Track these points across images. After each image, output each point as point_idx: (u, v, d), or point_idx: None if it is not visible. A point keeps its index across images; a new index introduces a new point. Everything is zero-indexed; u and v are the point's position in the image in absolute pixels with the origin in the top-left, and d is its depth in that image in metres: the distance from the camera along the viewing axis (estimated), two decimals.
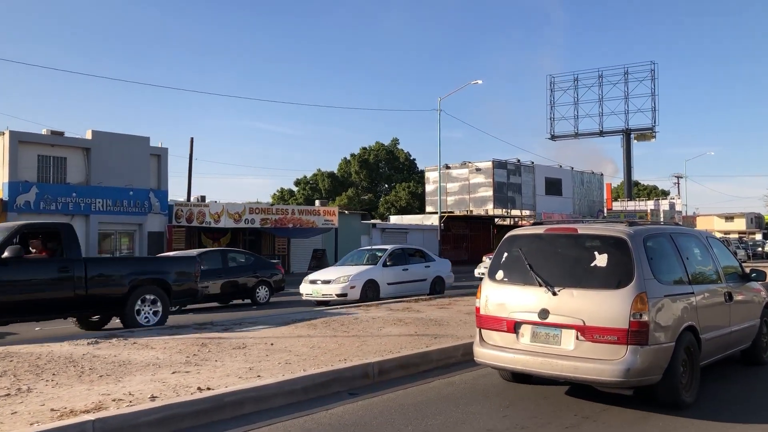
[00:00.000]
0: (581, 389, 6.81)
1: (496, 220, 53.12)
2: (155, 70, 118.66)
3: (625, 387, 6.17)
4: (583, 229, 6.72)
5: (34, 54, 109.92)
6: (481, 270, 24.93)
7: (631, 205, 74.17)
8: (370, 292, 16.56)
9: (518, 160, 53.17)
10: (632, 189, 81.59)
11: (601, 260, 6.22)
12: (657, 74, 75.80)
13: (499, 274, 6.90)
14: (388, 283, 17.19)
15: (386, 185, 67.45)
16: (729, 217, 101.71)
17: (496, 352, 6.60)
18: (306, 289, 16.92)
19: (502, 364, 6.66)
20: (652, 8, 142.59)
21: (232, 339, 9.56)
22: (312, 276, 17.26)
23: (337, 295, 16.18)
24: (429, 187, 54.72)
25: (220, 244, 32.85)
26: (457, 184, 54.03)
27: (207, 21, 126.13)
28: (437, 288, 18.82)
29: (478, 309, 6.94)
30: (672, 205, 74.29)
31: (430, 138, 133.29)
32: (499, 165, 51.81)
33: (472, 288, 18.82)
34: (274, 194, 66.69)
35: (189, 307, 15.92)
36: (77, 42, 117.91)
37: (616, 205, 76.77)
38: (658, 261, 6.38)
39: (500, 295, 6.73)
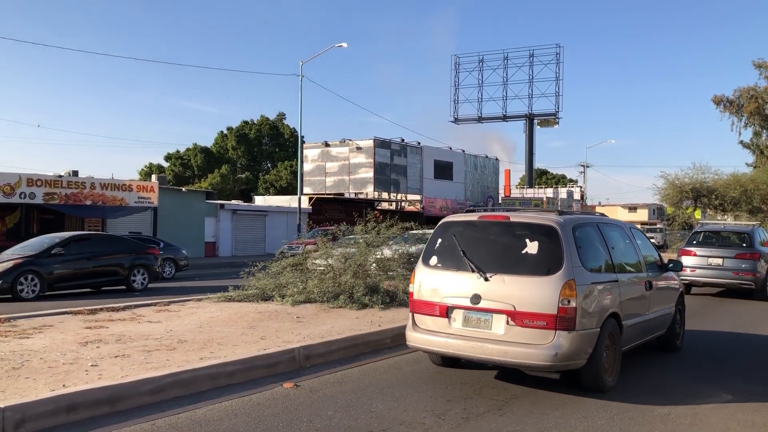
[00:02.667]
0: (509, 373, 6.93)
1: (379, 204, 48.69)
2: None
3: (553, 371, 6.18)
4: (515, 217, 6.87)
5: None
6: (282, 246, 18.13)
7: (530, 193, 71.49)
8: None
9: (402, 140, 48.78)
10: (533, 176, 79.07)
11: (531, 248, 6.35)
12: (562, 58, 73.28)
13: (433, 260, 6.94)
14: None
15: (269, 163, 61.91)
16: (632, 208, 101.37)
17: (428, 336, 6.67)
18: None
19: (434, 348, 6.70)
20: None
21: None
22: None
23: None
24: (308, 166, 49.63)
25: (4, 223, 26.92)
26: (337, 163, 49.11)
27: None
28: None
29: (411, 294, 6.99)
30: (570, 194, 72.11)
31: (320, 113, 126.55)
32: (381, 144, 47.22)
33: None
34: (142, 170, 60.07)
35: None
36: None
37: (515, 193, 74.01)
38: (586, 249, 6.53)
39: (434, 280, 6.77)
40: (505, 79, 75.12)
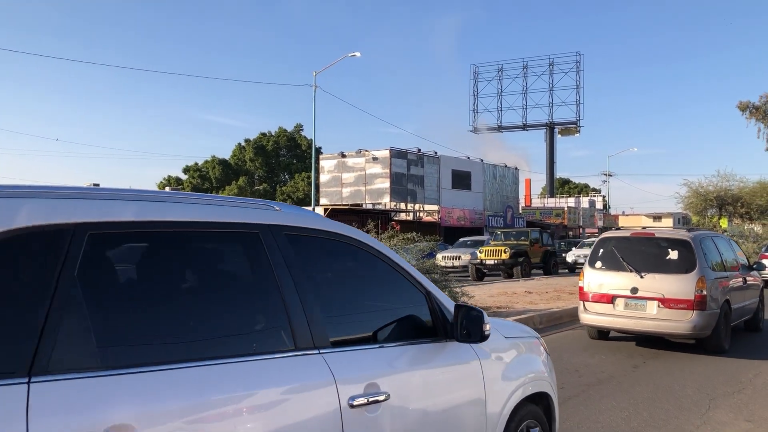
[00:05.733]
0: (645, 342, 10.04)
1: (396, 214, 48.13)
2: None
3: (690, 338, 9.08)
4: (658, 233, 9.81)
5: None
6: None
7: (552, 202, 70.47)
8: None
9: (419, 150, 48.27)
10: (555, 185, 78.07)
11: (673, 255, 9.09)
12: (583, 66, 72.63)
13: (598, 264, 9.67)
14: None
15: (286, 175, 61.78)
16: (657, 217, 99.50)
17: (597, 316, 9.49)
18: None
19: (602, 324, 9.58)
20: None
21: None
22: None
23: None
24: (324, 177, 49.36)
25: None
26: (353, 174, 48.70)
27: None
28: None
29: (581, 287, 9.72)
30: (592, 203, 70.89)
31: (337, 125, 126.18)
32: (397, 154, 46.75)
33: None
34: (160, 182, 60.30)
35: None
36: None
37: (536, 202, 73.06)
38: (709, 255, 9.32)
39: (599, 278, 9.54)
40: (524, 88, 74.59)
